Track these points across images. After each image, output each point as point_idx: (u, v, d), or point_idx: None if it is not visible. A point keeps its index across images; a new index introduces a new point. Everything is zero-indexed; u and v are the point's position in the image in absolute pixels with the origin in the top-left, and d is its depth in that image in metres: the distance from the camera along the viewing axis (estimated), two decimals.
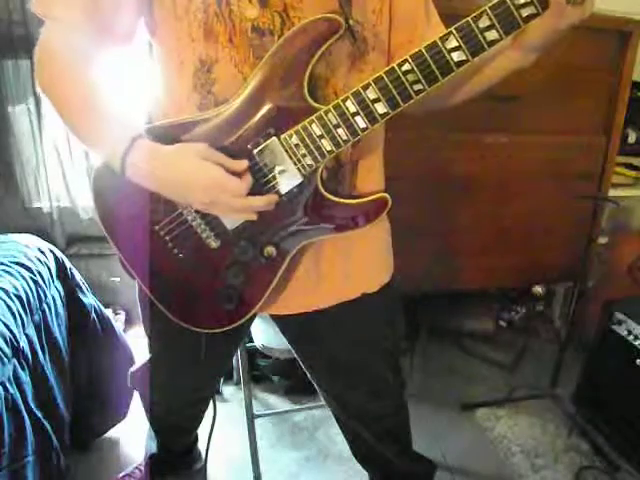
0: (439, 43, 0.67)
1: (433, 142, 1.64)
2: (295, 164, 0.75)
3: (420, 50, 0.68)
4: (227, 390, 1.89)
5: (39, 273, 1.35)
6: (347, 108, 0.71)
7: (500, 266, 1.91)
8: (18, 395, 1.12)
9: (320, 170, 0.76)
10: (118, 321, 2.13)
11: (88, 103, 0.75)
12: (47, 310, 1.34)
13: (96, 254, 2.14)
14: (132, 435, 1.63)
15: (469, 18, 0.65)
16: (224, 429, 1.67)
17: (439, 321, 2.21)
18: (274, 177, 0.75)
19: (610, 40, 1.70)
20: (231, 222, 0.80)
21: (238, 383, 1.89)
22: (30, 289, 1.28)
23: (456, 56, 0.67)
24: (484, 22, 0.65)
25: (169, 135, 0.76)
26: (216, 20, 0.73)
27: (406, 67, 0.68)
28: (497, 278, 1.98)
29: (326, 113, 0.72)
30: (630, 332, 1.61)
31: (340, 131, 0.72)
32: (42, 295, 1.33)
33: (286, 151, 0.74)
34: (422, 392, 1.87)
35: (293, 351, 1.07)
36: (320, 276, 0.89)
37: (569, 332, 1.81)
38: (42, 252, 1.43)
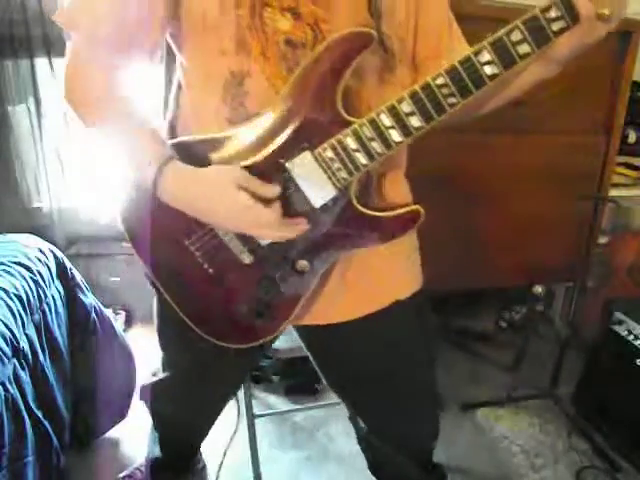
0: (472, 57, 0.67)
1: (435, 143, 1.63)
2: (329, 178, 0.74)
3: (454, 64, 0.68)
4: None
5: (39, 273, 1.35)
6: (382, 121, 0.71)
7: (500, 266, 1.91)
8: (18, 395, 1.12)
9: (354, 183, 0.76)
10: (118, 321, 2.13)
11: (120, 123, 0.76)
12: (47, 310, 1.34)
13: (96, 254, 2.14)
14: (132, 435, 1.63)
15: (501, 32, 0.66)
16: (224, 429, 1.67)
17: (439, 321, 2.21)
18: (308, 191, 0.75)
19: (610, 40, 1.70)
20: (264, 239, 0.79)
21: None
22: (30, 289, 1.28)
23: (489, 70, 0.67)
24: (516, 36, 0.65)
25: (200, 151, 0.76)
26: (249, 33, 0.73)
27: (440, 81, 0.68)
28: (497, 278, 1.98)
29: (361, 127, 0.71)
30: (630, 332, 1.61)
31: (375, 144, 0.72)
32: (42, 295, 1.33)
33: (320, 165, 0.74)
34: None
35: (315, 362, 1.04)
36: (349, 285, 0.87)
37: (569, 332, 1.81)
38: (42, 252, 1.43)
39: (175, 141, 0.79)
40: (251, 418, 1.49)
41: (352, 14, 0.75)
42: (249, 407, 1.49)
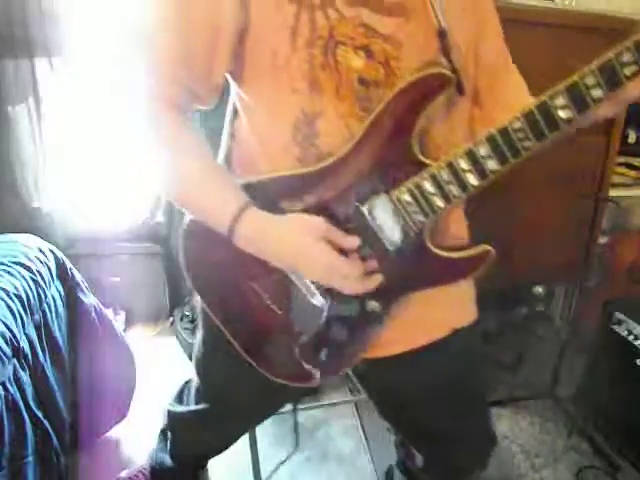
0: (548, 101, 0.67)
1: None
2: (406, 221, 0.74)
3: (530, 108, 0.68)
4: None
5: (39, 273, 1.35)
6: (459, 165, 0.71)
7: (500, 266, 1.91)
8: (18, 395, 1.12)
9: (429, 225, 0.75)
10: (118, 321, 2.13)
11: (194, 171, 0.75)
12: (47, 310, 1.34)
13: (96, 254, 2.14)
14: (132, 435, 1.63)
15: (576, 76, 0.66)
16: None
17: None
18: (382, 234, 0.75)
19: (609, 40, 1.70)
20: None
21: None
22: (30, 289, 1.28)
23: (563, 114, 0.68)
24: (590, 80, 0.66)
25: (270, 192, 0.75)
26: (322, 72, 0.71)
27: (517, 125, 0.69)
28: (497, 278, 1.97)
29: (439, 170, 0.71)
30: (630, 332, 1.61)
31: (451, 187, 0.72)
32: (42, 295, 1.33)
33: (397, 208, 0.74)
34: None
35: (369, 393, 1.03)
36: (407, 316, 0.84)
37: (569, 332, 1.81)
38: (42, 252, 1.43)
39: (244, 182, 0.77)
40: None
41: (422, 51, 0.74)
42: None
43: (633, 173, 2.09)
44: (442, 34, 0.73)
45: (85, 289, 1.53)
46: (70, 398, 1.41)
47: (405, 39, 0.72)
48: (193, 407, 1.13)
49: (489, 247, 0.78)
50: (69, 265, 1.51)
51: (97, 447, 1.59)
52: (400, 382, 0.94)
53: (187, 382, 1.24)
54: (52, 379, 1.30)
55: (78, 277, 1.53)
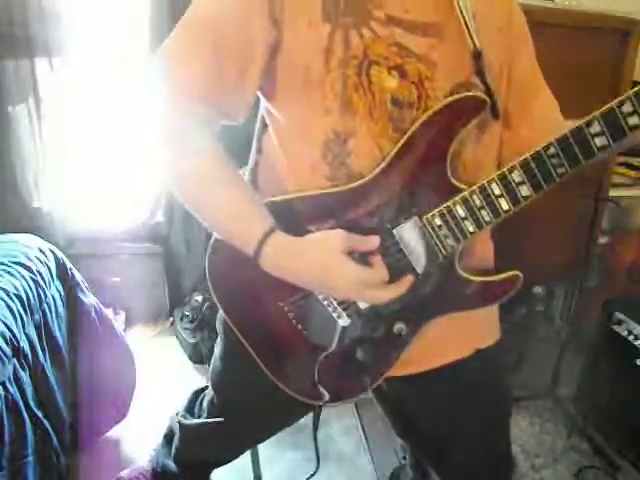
0: (584, 128, 0.66)
1: None
2: (437, 245, 0.73)
3: (565, 134, 0.67)
4: None
5: (39, 273, 1.35)
6: (492, 190, 0.70)
7: (500, 266, 1.91)
8: (18, 395, 1.12)
9: (459, 250, 0.75)
10: (118, 321, 2.13)
11: (219, 191, 0.74)
12: (47, 310, 1.34)
13: (96, 254, 2.14)
14: (132, 435, 1.63)
15: (613, 104, 0.66)
16: None
17: None
18: (412, 256, 0.74)
19: (610, 40, 1.70)
20: (365, 303, 0.78)
21: None
22: (30, 289, 1.28)
23: (599, 141, 0.67)
24: (627, 107, 0.65)
25: (296, 211, 0.75)
26: (355, 92, 0.70)
27: (552, 151, 0.68)
28: None
29: (471, 195, 0.71)
30: (630, 332, 1.61)
31: (483, 212, 0.71)
32: (42, 295, 1.33)
33: (427, 231, 0.73)
34: None
35: (387, 412, 1.03)
36: (429, 335, 0.83)
37: (569, 332, 1.81)
38: (42, 252, 1.43)
39: (269, 200, 0.76)
40: None
41: (456, 72, 0.73)
42: None
43: (633, 173, 2.09)
44: (477, 56, 0.72)
45: (85, 289, 1.53)
46: (70, 398, 1.41)
47: (439, 60, 0.72)
48: (206, 419, 1.12)
49: (518, 272, 0.77)
50: (69, 265, 1.51)
51: (97, 447, 1.59)
52: (420, 402, 0.93)
53: (196, 392, 1.23)
54: (52, 379, 1.30)
55: (78, 277, 1.53)
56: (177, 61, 0.71)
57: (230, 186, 0.75)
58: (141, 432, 1.48)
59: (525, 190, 0.70)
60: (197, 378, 1.96)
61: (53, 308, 1.37)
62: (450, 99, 0.70)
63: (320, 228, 0.74)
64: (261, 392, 0.91)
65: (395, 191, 0.73)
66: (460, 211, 0.72)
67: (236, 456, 1.22)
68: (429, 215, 0.72)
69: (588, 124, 0.66)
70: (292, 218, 0.75)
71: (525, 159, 0.69)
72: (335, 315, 0.79)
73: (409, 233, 0.73)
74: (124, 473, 1.45)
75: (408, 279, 0.74)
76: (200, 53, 0.70)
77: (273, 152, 0.81)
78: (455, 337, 0.85)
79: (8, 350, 1.11)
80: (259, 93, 0.78)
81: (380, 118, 0.72)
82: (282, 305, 0.81)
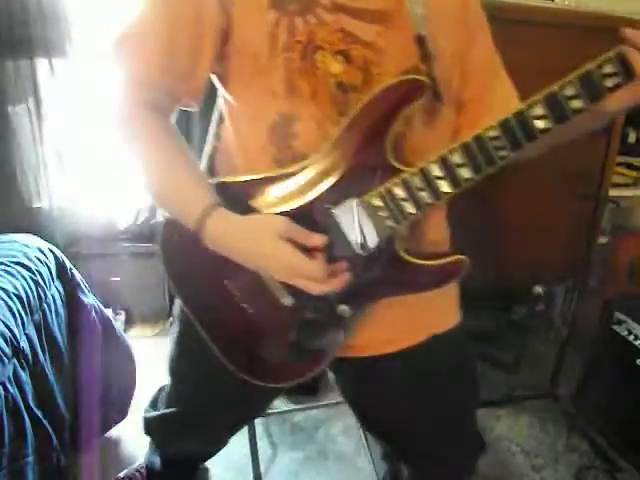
0: (525, 111, 0.67)
1: None
2: (376, 226, 0.74)
3: (507, 117, 0.67)
4: None
5: (39, 273, 1.35)
6: (432, 172, 0.71)
7: (500, 266, 1.91)
8: (18, 395, 1.12)
9: (399, 232, 0.75)
10: (118, 321, 2.13)
11: (166, 169, 0.77)
12: (47, 310, 1.34)
13: (96, 254, 2.14)
14: (132, 435, 1.63)
15: (555, 87, 0.66)
16: None
17: None
18: (353, 237, 0.74)
19: (610, 40, 1.70)
20: None
21: None
22: (30, 289, 1.28)
23: (541, 124, 0.67)
24: (570, 91, 0.65)
25: (242, 193, 0.76)
26: (299, 76, 0.72)
27: (493, 133, 0.68)
28: (497, 278, 1.97)
29: (411, 176, 0.71)
30: (630, 332, 1.61)
31: (423, 194, 0.71)
32: (42, 295, 1.33)
33: (367, 212, 0.73)
34: None
35: (348, 398, 1.03)
36: (383, 319, 0.84)
37: (569, 332, 1.81)
38: (42, 252, 1.43)
39: (217, 181, 0.78)
40: None
41: (403, 58, 0.74)
42: None
43: (633, 173, 2.09)
44: (420, 41, 0.73)
45: (85, 289, 1.54)
46: (70, 398, 1.41)
47: (386, 46, 0.73)
48: (163, 411, 1.11)
49: (463, 256, 0.76)
50: (69, 265, 1.51)
51: (97, 447, 1.59)
52: (377, 388, 0.93)
53: (161, 388, 1.22)
54: (52, 379, 1.30)
55: (78, 277, 1.53)
56: (129, 48, 0.74)
57: (177, 165, 0.77)
58: (141, 432, 1.48)
59: (466, 172, 0.70)
60: None
61: (53, 308, 1.37)
62: (389, 82, 0.70)
63: (264, 209, 0.76)
64: (214, 375, 0.90)
65: (337, 173, 0.73)
66: (399, 192, 0.72)
67: (210, 449, 1.21)
68: (368, 195, 0.73)
69: (530, 106, 0.67)
70: (238, 198, 0.76)
71: (466, 141, 0.69)
72: (278, 294, 0.79)
73: (349, 214, 0.73)
74: (123, 473, 1.45)
75: (344, 276, 0.73)
76: (152, 40, 0.73)
77: (228, 138, 0.84)
78: (408, 321, 0.86)
79: (8, 350, 1.11)
80: (216, 79, 0.80)
81: (324, 101, 0.73)
82: (229, 285, 0.81)
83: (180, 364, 1.03)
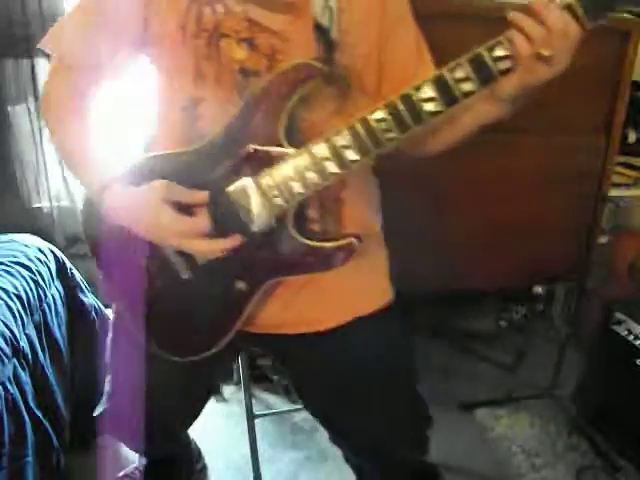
0: (413, 93, 0.68)
1: None
2: (267, 204, 0.75)
3: (393, 100, 0.69)
4: (227, 390, 1.89)
5: (39, 273, 1.35)
6: (318, 153, 0.72)
7: (500, 266, 1.91)
8: (18, 395, 1.13)
9: (291, 211, 0.77)
10: None
11: (77, 147, 0.84)
12: (47, 310, 1.34)
13: None
14: None
15: (444, 69, 0.67)
16: (224, 429, 1.67)
17: (439, 321, 2.21)
18: (247, 216, 0.76)
19: (610, 40, 1.70)
20: (201, 257, 0.81)
21: (238, 383, 1.89)
22: (30, 289, 1.28)
23: (431, 106, 0.68)
24: (460, 74, 0.66)
25: (145, 168, 0.80)
26: (204, 62, 0.78)
27: (378, 115, 0.70)
28: (497, 278, 1.97)
29: (298, 157, 0.73)
30: (630, 332, 1.61)
31: (311, 175, 0.73)
32: (42, 295, 1.33)
33: (259, 191, 0.75)
34: (422, 392, 1.86)
35: (289, 378, 1.06)
36: (306, 301, 0.88)
37: (569, 332, 1.81)
38: (42, 252, 1.44)
39: (138, 160, 0.83)
40: (251, 418, 1.49)
41: (309, 47, 0.76)
42: (249, 407, 1.49)
43: (633, 173, 2.09)
44: (320, 30, 0.76)
45: (85, 289, 1.54)
46: (70, 398, 1.41)
47: (293, 35, 0.77)
48: (106, 405, 1.11)
49: (353, 241, 0.78)
50: (69, 265, 1.51)
51: (97, 447, 1.58)
52: (308, 367, 0.96)
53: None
54: (52, 379, 1.30)
55: (78, 277, 1.53)
56: (57, 35, 0.83)
57: (88, 141, 0.84)
58: None
59: (351, 154, 0.72)
60: None
61: (53, 308, 1.37)
62: (284, 65, 0.74)
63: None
64: (142, 358, 0.92)
65: (232, 153, 0.76)
66: (288, 172, 0.74)
67: (167, 442, 1.21)
68: (260, 175, 0.75)
69: (417, 89, 0.68)
70: (148, 176, 0.78)
71: (351, 123, 0.71)
72: (178, 268, 0.83)
73: (242, 192, 0.76)
74: (124, 473, 1.45)
75: (235, 237, 0.76)
76: (79, 29, 0.81)
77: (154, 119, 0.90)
78: (335, 301, 0.89)
79: (8, 350, 1.11)
80: (143, 64, 0.87)
81: (227, 86, 0.78)
82: (139, 259, 0.84)
83: (114, 352, 1.04)
